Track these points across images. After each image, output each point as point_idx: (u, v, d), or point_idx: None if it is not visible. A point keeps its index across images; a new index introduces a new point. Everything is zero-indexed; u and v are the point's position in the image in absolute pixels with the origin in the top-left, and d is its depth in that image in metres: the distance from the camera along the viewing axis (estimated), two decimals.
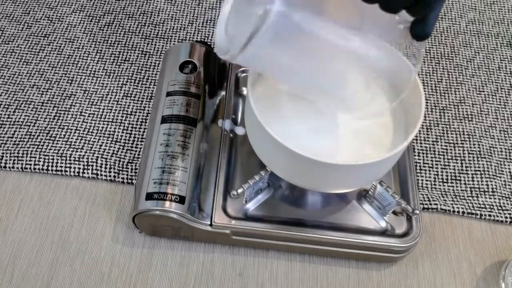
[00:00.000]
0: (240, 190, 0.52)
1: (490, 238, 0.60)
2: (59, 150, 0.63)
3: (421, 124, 0.46)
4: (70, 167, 0.62)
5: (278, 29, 0.37)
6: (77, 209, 0.60)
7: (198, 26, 0.77)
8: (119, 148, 0.64)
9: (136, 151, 0.64)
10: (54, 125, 0.66)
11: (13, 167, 0.62)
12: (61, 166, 0.62)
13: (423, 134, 0.67)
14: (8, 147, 0.63)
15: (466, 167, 0.65)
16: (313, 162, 0.44)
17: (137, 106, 0.68)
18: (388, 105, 0.51)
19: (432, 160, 0.65)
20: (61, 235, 0.58)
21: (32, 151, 0.63)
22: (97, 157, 0.63)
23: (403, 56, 0.44)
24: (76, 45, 0.74)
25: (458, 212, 0.61)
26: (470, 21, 0.80)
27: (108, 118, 0.67)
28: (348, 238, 0.54)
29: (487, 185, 0.63)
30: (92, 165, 0.62)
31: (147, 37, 0.75)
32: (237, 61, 0.40)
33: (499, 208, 0.62)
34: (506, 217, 0.61)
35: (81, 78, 0.70)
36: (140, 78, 0.71)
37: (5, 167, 0.62)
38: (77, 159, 0.63)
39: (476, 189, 0.63)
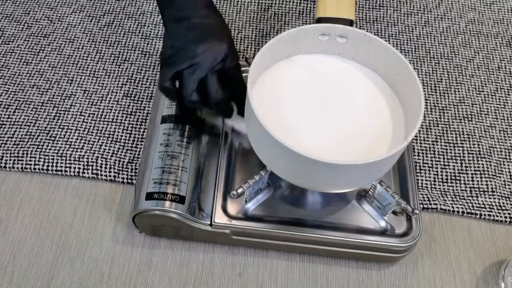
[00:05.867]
0: (240, 190, 0.52)
1: (490, 238, 0.60)
2: (59, 150, 0.63)
3: (420, 124, 0.46)
4: (70, 167, 0.62)
5: None
6: (77, 209, 0.60)
7: None
8: (119, 148, 0.64)
9: (136, 151, 0.64)
10: (54, 125, 0.66)
11: (13, 167, 0.62)
12: (61, 166, 0.62)
13: (423, 134, 0.67)
14: (8, 147, 0.63)
15: (466, 167, 0.65)
16: (313, 162, 0.44)
17: (137, 106, 0.68)
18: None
19: (432, 160, 0.65)
20: (61, 235, 0.58)
21: (32, 151, 0.63)
22: (97, 157, 0.63)
23: None
24: (76, 45, 0.74)
25: (458, 212, 0.61)
26: (469, 21, 0.80)
27: (108, 118, 0.67)
28: (348, 238, 0.54)
29: (487, 185, 0.63)
30: (92, 165, 0.62)
31: (147, 37, 0.75)
32: None
33: (499, 208, 0.62)
34: (505, 217, 0.61)
35: (81, 78, 0.70)
36: (140, 78, 0.71)
37: (5, 167, 0.62)
38: (77, 159, 0.63)
39: (476, 189, 0.63)
